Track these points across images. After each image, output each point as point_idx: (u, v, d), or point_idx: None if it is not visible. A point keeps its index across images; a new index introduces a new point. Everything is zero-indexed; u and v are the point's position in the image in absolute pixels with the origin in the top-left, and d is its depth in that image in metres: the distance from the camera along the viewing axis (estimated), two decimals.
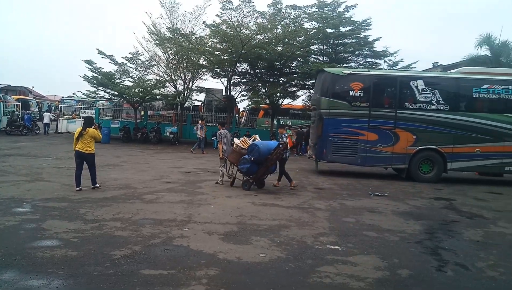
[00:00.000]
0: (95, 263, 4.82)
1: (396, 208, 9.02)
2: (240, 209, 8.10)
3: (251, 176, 10.56)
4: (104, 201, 8.23)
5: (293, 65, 27.27)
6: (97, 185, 9.66)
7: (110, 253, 5.17)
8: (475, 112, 13.60)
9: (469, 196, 11.24)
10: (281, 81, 26.91)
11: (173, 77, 27.78)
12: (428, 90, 13.62)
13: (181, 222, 6.88)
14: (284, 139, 11.73)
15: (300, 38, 24.75)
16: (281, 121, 30.04)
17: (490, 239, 6.81)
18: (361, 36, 26.05)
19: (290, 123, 28.32)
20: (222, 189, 10.47)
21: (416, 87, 13.66)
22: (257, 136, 12.03)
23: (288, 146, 11.11)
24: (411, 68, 26.03)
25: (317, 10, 25.80)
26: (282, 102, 28.43)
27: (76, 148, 9.36)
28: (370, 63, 26.78)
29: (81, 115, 29.63)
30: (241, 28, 23.75)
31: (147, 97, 26.93)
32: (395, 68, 25.71)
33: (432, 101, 13.58)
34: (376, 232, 6.82)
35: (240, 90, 29.13)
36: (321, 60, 26.44)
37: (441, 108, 13.57)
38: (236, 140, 11.35)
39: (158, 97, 28.37)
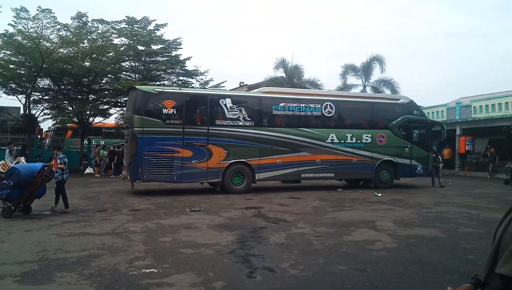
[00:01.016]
0: None
1: (211, 222, 9.35)
2: (42, 243, 7.16)
3: (12, 203, 9.72)
4: None
5: (104, 81, 25.96)
6: None
7: None
8: (275, 127, 15.24)
9: (274, 203, 12.46)
10: (90, 98, 25.24)
11: None
12: (236, 108, 14.66)
13: None
14: (59, 161, 10.90)
15: (110, 54, 23.70)
16: (93, 141, 28.14)
17: (292, 240, 7.63)
18: (172, 54, 26.50)
19: (103, 143, 26.75)
20: (19, 223, 9.11)
21: (225, 105, 14.56)
22: (22, 158, 11.50)
23: (53, 168, 10.64)
24: (221, 87, 27.69)
25: (126, 26, 25.19)
26: (93, 120, 26.69)
27: None
28: (183, 81, 27.42)
29: None
30: (41, 40, 21.45)
31: None
32: (206, 87, 26.96)
33: (240, 118, 14.67)
34: (192, 248, 6.91)
35: (42, 108, 26.12)
36: (133, 77, 25.88)
37: (248, 124, 14.77)
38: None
39: None
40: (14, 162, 11.26)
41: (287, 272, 5.73)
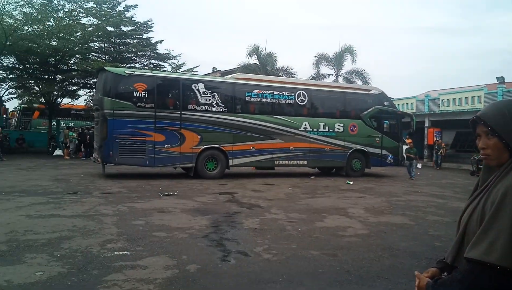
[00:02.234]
0: None
1: (185, 206, 9.31)
2: (11, 224, 6.96)
3: None
4: None
5: (71, 62, 25.25)
6: None
7: None
8: (249, 113, 15.25)
9: (248, 189, 12.52)
10: (58, 79, 24.48)
11: None
12: (209, 93, 14.56)
13: None
14: None
15: (78, 34, 22.99)
16: (62, 123, 27.35)
17: (265, 225, 7.70)
18: (143, 37, 26.02)
19: (73, 124, 26.05)
20: None
21: (198, 90, 14.42)
22: None
23: None
24: (194, 72, 27.43)
25: (94, 6, 24.40)
26: (61, 101, 25.92)
27: None
28: (154, 64, 27.00)
29: None
30: (3, 17, 20.51)
31: None
32: (178, 71, 26.59)
33: (213, 103, 14.58)
34: (165, 232, 6.87)
35: (7, 87, 25.17)
36: (103, 58, 25.27)
37: (221, 110, 14.71)
38: None
39: None
40: None
41: (261, 256, 5.79)
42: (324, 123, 16.31)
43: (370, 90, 18.20)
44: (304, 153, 15.99)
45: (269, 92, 15.57)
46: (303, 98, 16.03)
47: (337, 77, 34.55)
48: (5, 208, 8.35)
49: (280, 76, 30.59)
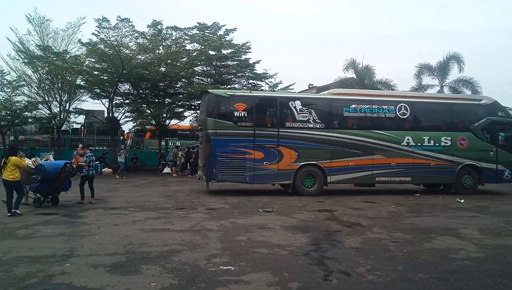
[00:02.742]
0: None
1: (284, 223, 9.41)
2: (129, 237, 7.69)
3: (41, 194, 11.23)
4: None
5: (178, 86, 27.20)
6: (18, 211, 9.88)
7: None
8: (346, 129, 14.96)
9: (348, 206, 12.24)
10: (166, 102, 26.58)
11: (47, 98, 25.55)
12: (305, 110, 14.62)
13: (62, 257, 6.27)
14: (85, 158, 12.28)
15: (183, 59, 24.82)
16: (170, 142, 29.55)
17: (367, 245, 7.46)
18: (242, 58, 27.07)
19: (179, 144, 28.00)
20: (107, 217, 9.83)
21: (295, 107, 14.58)
22: (50, 156, 13.75)
23: (74, 165, 12.21)
24: (290, 89, 27.77)
25: (198, 32, 26.16)
26: (169, 122, 28.05)
27: (3, 177, 9.91)
28: (252, 84, 27.89)
29: None
30: (121, 48, 22.98)
31: (16, 121, 24.33)
32: (275, 90, 27.17)
33: (310, 120, 14.61)
34: (266, 248, 7.02)
35: (123, 111, 28.04)
36: (206, 81, 26.81)
37: (318, 126, 14.66)
38: (27, 161, 11.48)
39: (30, 120, 25.79)
40: (43, 159, 12.85)
41: (364, 277, 5.62)
42: (429, 137, 15.35)
43: (481, 100, 16.74)
44: (407, 169, 15.18)
45: (367, 106, 15.16)
46: (405, 111, 15.31)
47: (441, 87, 32.42)
48: (123, 222, 9.23)
49: (378, 89, 29.64)
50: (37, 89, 25.75)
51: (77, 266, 5.81)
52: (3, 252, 6.49)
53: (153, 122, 26.18)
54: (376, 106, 15.18)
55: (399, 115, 15.29)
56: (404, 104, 15.34)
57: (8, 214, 9.75)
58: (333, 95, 15.87)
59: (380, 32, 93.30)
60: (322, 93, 20.82)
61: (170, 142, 29.45)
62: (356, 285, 5.31)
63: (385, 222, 9.75)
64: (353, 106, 15.04)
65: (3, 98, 24.62)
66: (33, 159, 12.36)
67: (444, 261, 6.44)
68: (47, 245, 7.02)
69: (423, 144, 15.26)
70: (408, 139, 15.16)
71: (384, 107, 15.22)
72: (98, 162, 23.10)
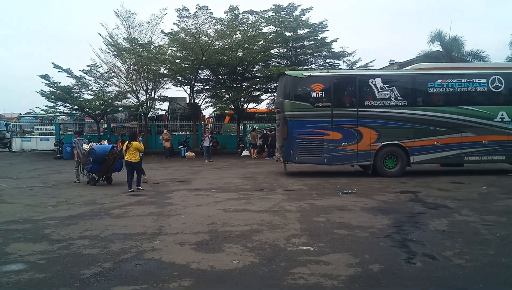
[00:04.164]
0: (63, 285, 4.66)
1: (364, 205, 9.21)
2: (211, 217, 8.05)
3: (95, 174, 12.68)
4: (70, 219, 7.98)
5: (255, 69, 27.44)
6: (141, 187, 11.70)
7: (79, 273, 5.01)
8: (432, 106, 14.09)
9: (433, 188, 11.62)
10: (244, 86, 27.02)
11: (134, 88, 27.35)
12: (386, 88, 14.00)
13: (152, 235, 6.76)
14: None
15: (260, 43, 24.91)
16: (248, 126, 30.12)
17: (455, 228, 7.05)
18: (318, 38, 26.53)
19: (257, 127, 28.43)
20: (191, 198, 10.36)
21: (375, 85, 14.02)
22: (105, 141, 15.76)
23: (119, 148, 13.10)
24: (369, 66, 26.75)
25: (274, 14, 26.07)
26: (247, 106, 28.54)
27: (125, 158, 11.52)
28: (330, 64, 27.30)
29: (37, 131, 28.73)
30: (200, 35, 23.68)
31: (108, 109, 26.44)
32: (353, 68, 26.33)
33: (391, 98, 13.98)
34: (346, 230, 6.94)
35: (203, 97, 29.08)
36: (282, 63, 26.75)
37: (400, 104, 13.98)
38: (85, 146, 13.28)
39: (120, 108, 27.88)
40: (97, 143, 14.26)
41: (451, 261, 5.34)
42: None
43: None
44: (501, 147, 13.95)
45: (455, 80, 14.10)
46: (499, 84, 14.01)
47: None
48: (206, 203, 9.67)
49: (468, 61, 27.39)
50: (125, 80, 27.66)
51: (165, 244, 6.23)
52: (101, 230, 7.15)
53: (232, 106, 26.79)
54: (465, 80, 14.07)
55: (492, 89, 14.04)
56: (498, 76, 14.04)
57: (130, 190, 11.26)
58: (416, 70, 15.02)
59: None
60: (404, 68, 19.76)
61: (248, 126, 29.98)
62: (443, 269, 5.07)
63: (475, 204, 9.12)
64: (439, 81, 14.09)
65: (97, 89, 26.83)
66: (90, 143, 14.07)
67: None
68: (139, 223, 7.60)
69: None
70: (502, 115, 13.90)
71: (474, 81, 14.07)
72: (181, 146, 24.43)
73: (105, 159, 12.46)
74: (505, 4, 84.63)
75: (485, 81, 14.02)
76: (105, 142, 15.23)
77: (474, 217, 7.82)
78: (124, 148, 11.67)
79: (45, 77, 24.99)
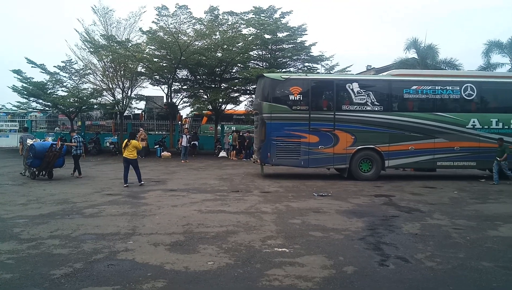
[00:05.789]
0: (32, 285, 4.53)
1: (339, 207, 9.30)
2: (187, 217, 7.97)
3: (35, 168, 13.34)
4: (41, 218, 7.75)
5: (234, 70, 27.39)
6: (142, 182, 12.38)
7: (49, 273, 4.87)
8: (406, 111, 14.38)
9: (406, 192, 11.84)
10: (222, 87, 26.90)
11: (110, 86, 26.81)
12: (363, 92, 14.21)
13: (125, 235, 6.64)
14: (73, 140, 14.45)
15: (239, 44, 24.86)
16: (225, 127, 30.02)
17: (427, 231, 7.20)
18: (297, 41, 26.69)
19: (234, 128, 28.36)
20: (166, 198, 10.23)
21: (352, 89, 14.21)
22: (49, 138, 17.83)
23: (57, 146, 13.53)
24: (347, 71, 27.06)
25: (254, 16, 26.09)
26: (225, 107, 28.43)
27: (124, 155, 12.29)
28: (308, 67, 27.50)
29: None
30: (179, 35, 23.48)
31: (83, 107, 25.86)
32: (331, 72, 26.60)
33: (368, 103, 14.19)
34: (321, 232, 6.98)
35: (181, 97, 28.82)
36: (261, 65, 26.77)
37: (376, 108, 14.21)
38: (29, 140, 13.82)
39: (95, 106, 27.32)
40: (32, 141, 14.34)
41: (423, 264, 5.45)
42: (497, 119, 14.38)
43: None
44: (472, 153, 14.36)
45: (430, 87, 14.43)
46: (471, 92, 14.42)
47: None
48: (181, 203, 9.57)
49: (442, 69, 28.10)
50: (101, 77, 27.11)
51: (139, 244, 6.13)
52: (72, 229, 6.97)
53: (210, 107, 26.65)
54: (439, 87, 14.43)
55: (464, 96, 14.45)
56: (470, 84, 14.46)
57: (125, 185, 11.97)
58: (393, 76, 15.30)
59: (446, 8, 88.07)
60: (381, 74, 20.09)
61: (225, 127, 29.89)
62: (414, 272, 5.16)
63: (446, 208, 9.34)
64: (414, 87, 14.40)
65: (72, 86, 26.22)
66: (34, 139, 14.53)
67: (510, 250, 6.07)
68: (112, 223, 7.45)
69: (490, 127, 14.34)
70: (473, 122, 14.32)
71: (448, 88, 14.44)
72: (157, 146, 24.13)
73: (45, 155, 13.04)
74: (478, 16, 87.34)
75: (458, 88, 14.42)
76: (49, 138, 16.29)
77: (445, 221, 8.00)
78: (123, 145, 12.41)
79: (17, 72, 24.25)
